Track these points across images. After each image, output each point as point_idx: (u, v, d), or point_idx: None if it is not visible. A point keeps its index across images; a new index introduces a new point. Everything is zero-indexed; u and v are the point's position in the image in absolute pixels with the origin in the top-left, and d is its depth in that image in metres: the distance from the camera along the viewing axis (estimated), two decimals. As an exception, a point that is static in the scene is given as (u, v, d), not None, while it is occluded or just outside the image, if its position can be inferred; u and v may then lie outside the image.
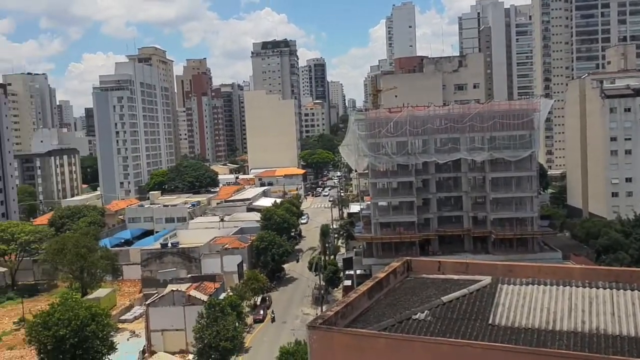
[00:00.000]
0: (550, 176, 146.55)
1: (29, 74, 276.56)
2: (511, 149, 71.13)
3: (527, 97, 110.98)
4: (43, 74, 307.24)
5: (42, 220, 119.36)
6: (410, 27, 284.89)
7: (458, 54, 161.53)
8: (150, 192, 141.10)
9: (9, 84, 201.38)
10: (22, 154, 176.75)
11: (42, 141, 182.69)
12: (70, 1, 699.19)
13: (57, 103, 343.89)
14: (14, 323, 70.98)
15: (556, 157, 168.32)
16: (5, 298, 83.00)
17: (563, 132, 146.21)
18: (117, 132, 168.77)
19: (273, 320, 68.07)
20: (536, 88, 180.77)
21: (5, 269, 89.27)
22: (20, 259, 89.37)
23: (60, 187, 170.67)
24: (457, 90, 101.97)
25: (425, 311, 18.54)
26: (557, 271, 21.61)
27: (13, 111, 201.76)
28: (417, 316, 18.30)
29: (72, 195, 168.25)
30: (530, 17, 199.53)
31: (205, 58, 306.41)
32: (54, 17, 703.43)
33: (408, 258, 24.47)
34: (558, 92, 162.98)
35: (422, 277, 23.03)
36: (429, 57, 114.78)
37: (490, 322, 17.74)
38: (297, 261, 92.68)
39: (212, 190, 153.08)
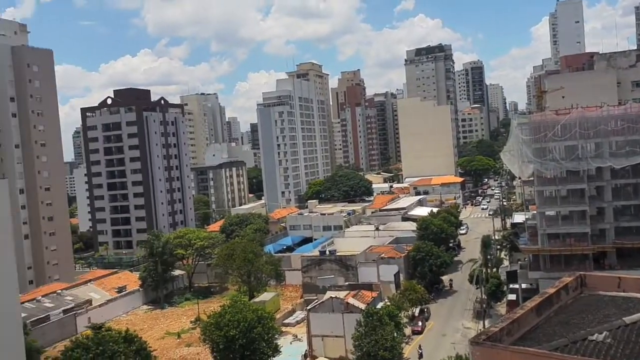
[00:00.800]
0: None
1: (202, 94, 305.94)
2: None
3: None
4: (214, 93, 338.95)
5: (215, 227, 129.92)
6: (577, 22, 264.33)
7: (635, 48, 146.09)
8: (309, 201, 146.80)
9: (186, 104, 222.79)
10: (197, 167, 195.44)
11: (214, 155, 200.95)
12: (237, 25, 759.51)
13: (227, 120, 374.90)
14: (191, 322, 77.71)
15: None
16: (183, 299, 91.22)
17: None
18: (279, 145, 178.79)
19: (421, 356, 60.19)
20: None
21: (184, 272, 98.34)
22: (196, 263, 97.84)
23: (229, 196, 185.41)
24: (636, 88, 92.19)
25: (604, 332, 16.74)
26: None
27: (189, 128, 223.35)
28: (594, 337, 16.59)
29: (240, 204, 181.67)
30: None
31: (359, 69, 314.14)
32: (222, 40, 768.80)
33: (581, 273, 22.49)
34: None
35: (599, 294, 20.96)
36: (600, 53, 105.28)
37: (686, 349, 15.49)
38: (450, 285, 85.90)
39: (367, 199, 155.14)
